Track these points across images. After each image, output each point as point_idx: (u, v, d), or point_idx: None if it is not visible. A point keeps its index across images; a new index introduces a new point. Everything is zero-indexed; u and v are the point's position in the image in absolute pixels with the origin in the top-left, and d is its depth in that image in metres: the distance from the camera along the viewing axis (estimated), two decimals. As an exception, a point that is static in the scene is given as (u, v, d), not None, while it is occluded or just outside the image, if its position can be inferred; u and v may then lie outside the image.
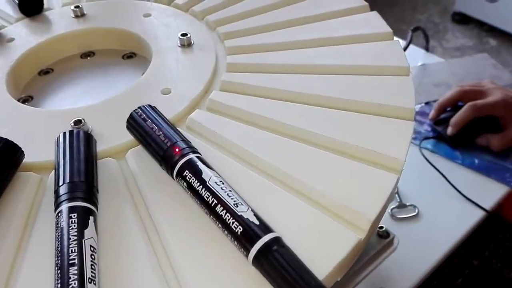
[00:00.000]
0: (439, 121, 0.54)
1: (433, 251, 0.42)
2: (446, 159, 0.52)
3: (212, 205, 0.23)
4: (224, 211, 0.22)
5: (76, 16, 0.42)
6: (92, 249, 0.21)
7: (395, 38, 0.37)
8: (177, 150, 0.25)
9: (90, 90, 0.37)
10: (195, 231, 0.24)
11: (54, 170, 0.25)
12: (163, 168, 0.26)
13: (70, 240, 0.21)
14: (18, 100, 0.37)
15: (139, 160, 0.28)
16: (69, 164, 0.25)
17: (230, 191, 0.23)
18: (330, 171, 0.26)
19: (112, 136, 0.29)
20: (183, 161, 0.24)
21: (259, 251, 0.21)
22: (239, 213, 0.22)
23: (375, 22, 0.39)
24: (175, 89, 0.33)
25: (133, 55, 0.41)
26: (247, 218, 0.22)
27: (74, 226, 0.22)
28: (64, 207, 0.22)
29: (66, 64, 0.41)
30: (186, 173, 0.24)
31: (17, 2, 0.42)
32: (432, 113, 0.55)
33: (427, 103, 0.59)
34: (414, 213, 0.46)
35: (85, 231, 0.22)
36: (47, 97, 0.37)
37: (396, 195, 0.47)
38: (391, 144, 0.27)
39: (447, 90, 0.56)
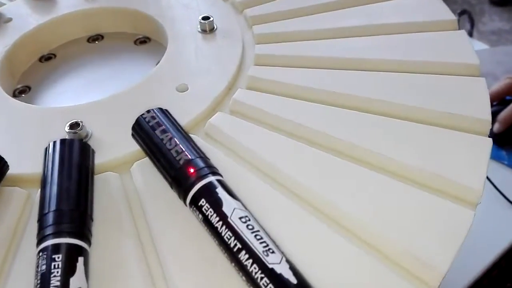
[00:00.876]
0: None
1: (473, 262, 0.38)
2: (490, 159, 0.46)
3: (235, 250, 0.17)
4: (250, 260, 0.17)
5: (86, -5, 0.37)
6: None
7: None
8: (192, 170, 0.20)
9: (96, 81, 0.32)
10: (211, 278, 0.18)
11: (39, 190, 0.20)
12: (174, 191, 0.20)
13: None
14: (14, 92, 0.32)
15: (147, 175, 0.22)
16: (58, 186, 0.20)
17: (259, 231, 0.18)
18: (384, 202, 0.20)
19: (115, 144, 0.24)
20: (199, 186, 0.19)
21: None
22: (270, 266, 0.16)
23: (434, 6, 0.32)
24: (193, 85, 0.27)
25: (147, 40, 0.36)
26: (280, 274, 0.16)
27: (58, 272, 0.17)
28: (47, 244, 0.18)
29: (70, 49, 0.36)
30: (203, 202, 0.19)
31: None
32: None
33: None
34: None
35: (71, 279, 0.17)
36: (47, 88, 0.32)
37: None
38: (464, 168, 0.21)
39: (494, 82, 0.50)
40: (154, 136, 0.21)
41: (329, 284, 0.17)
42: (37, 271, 0.17)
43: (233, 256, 0.17)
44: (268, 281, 0.16)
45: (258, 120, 0.25)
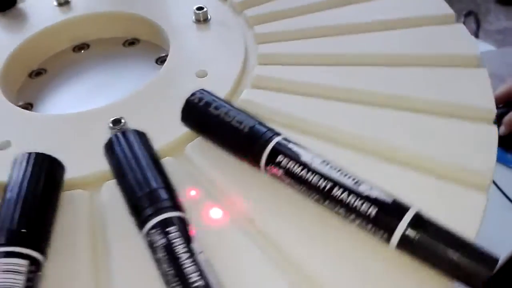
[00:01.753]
0: None
1: None
2: (497, 162, 0.46)
3: (328, 188, 0.19)
4: (346, 193, 0.19)
5: (60, 4, 0.36)
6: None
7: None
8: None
9: (97, 86, 0.32)
10: None
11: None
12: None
13: None
14: (18, 110, 0.31)
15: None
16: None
17: (341, 169, 0.20)
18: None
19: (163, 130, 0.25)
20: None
21: (412, 224, 0.18)
22: (365, 194, 0.19)
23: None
24: (211, 70, 0.29)
25: (135, 41, 0.36)
26: (375, 198, 0.19)
27: (178, 242, 0.18)
28: (156, 221, 0.18)
29: (59, 61, 0.35)
30: (281, 158, 0.20)
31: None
32: None
33: None
34: None
35: (192, 245, 0.18)
36: (49, 101, 0.32)
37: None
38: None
39: (501, 84, 0.49)
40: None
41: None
42: (155, 247, 0.18)
43: (327, 195, 0.19)
44: (369, 204, 0.18)
45: (282, 89, 0.27)
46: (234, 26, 0.33)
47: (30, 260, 0.18)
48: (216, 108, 0.23)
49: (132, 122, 0.25)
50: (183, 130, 0.25)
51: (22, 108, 0.31)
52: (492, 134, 0.24)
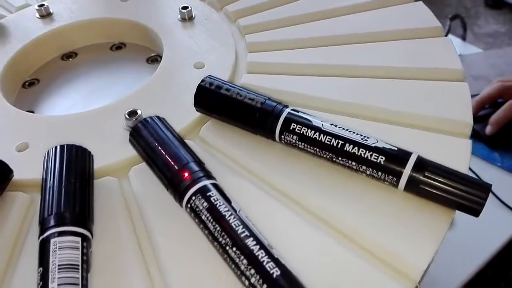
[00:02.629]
0: (477, 119, 0.50)
1: (468, 262, 0.40)
2: (483, 161, 0.48)
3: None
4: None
5: (42, 16, 0.37)
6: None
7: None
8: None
9: (96, 90, 0.34)
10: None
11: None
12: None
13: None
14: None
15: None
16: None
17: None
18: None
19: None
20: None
21: (416, 167, 0.21)
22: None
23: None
24: (207, 61, 0.31)
25: (122, 45, 0.38)
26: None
27: (220, 203, 0.20)
28: (198, 187, 0.20)
29: (50, 70, 0.36)
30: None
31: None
32: None
33: None
34: None
35: (233, 204, 0.20)
36: (50, 108, 0.33)
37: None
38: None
39: (486, 84, 0.51)
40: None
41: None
42: (199, 211, 0.20)
43: (340, 151, 0.22)
44: (377, 154, 0.21)
45: (275, 72, 0.30)
46: (218, 21, 0.35)
47: (81, 237, 0.20)
48: (227, 89, 0.25)
49: (145, 114, 0.27)
50: (195, 115, 0.27)
51: (25, 115, 0.32)
52: (464, 90, 0.27)
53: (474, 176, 0.46)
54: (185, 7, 0.35)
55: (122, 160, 0.25)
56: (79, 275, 0.19)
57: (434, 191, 0.21)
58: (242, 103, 0.24)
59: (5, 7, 0.40)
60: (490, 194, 0.41)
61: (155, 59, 0.36)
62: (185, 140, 0.24)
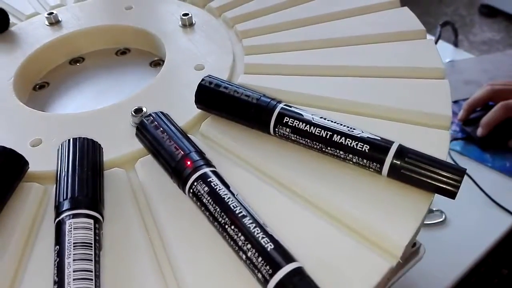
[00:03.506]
0: (469, 122, 0.52)
1: (461, 259, 0.41)
2: (475, 161, 0.49)
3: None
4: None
5: (51, 24, 0.40)
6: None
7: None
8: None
9: (104, 92, 0.36)
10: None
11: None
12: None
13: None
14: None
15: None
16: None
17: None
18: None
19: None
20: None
21: (397, 155, 0.23)
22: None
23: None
24: (207, 64, 0.33)
25: (126, 50, 0.40)
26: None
27: (219, 187, 0.22)
28: (198, 175, 0.22)
29: (59, 74, 0.38)
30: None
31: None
32: (461, 113, 0.52)
33: (455, 102, 0.55)
34: (441, 219, 0.44)
35: (231, 188, 0.22)
36: (59, 108, 0.35)
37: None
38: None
39: (477, 89, 0.52)
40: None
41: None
42: (201, 195, 0.22)
43: (328, 142, 0.24)
44: (362, 144, 0.23)
45: (271, 73, 0.32)
46: (217, 26, 0.37)
47: (94, 219, 0.22)
48: (226, 87, 0.27)
49: (150, 111, 0.29)
50: (196, 111, 0.29)
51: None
52: (444, 86, 0.29)
53: (468, 177, 0.47)
54: (185, 14, 0.37)
55: (129, 153, 0.27)
56: (92, 252, 0.20)
57: (414, 176, 0.23)
58: (239, 99, 0.26)
59: (16, 16, 0.42)
60: (482, 193, 0.46)
61: (157, 63, 0.38)
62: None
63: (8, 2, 0.44)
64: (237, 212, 0.21)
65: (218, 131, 0.28)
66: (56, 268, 0.20)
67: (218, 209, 0.21)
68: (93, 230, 0.21)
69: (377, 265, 0.21)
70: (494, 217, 0.44)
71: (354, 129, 0.24)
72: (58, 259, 0.20)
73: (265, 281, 0.19)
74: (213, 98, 0.27)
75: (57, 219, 0.21)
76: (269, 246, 0.20)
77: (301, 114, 0.25)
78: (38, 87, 0.37)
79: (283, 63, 0.33)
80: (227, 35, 0.36)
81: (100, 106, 0.31)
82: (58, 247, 0.20)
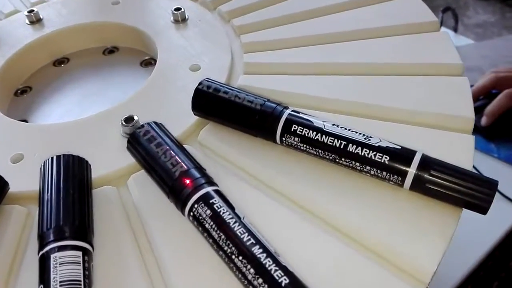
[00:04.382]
0: None
1: (468, 254, 0.40)
2: (480, 152, 0.48)
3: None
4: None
5: (32, 22, 0.36)
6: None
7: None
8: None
9: (91, 96, 0.33)
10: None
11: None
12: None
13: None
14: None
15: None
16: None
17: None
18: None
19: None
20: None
21: (421, 166, 0.20)
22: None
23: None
24: (203, 63, 0.30)
25: (114, 49, 0.37)
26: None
27: (224, 210, 0.19)
28: (200, 195, 0.20)
29: (42, 77, 0.35)
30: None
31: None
32: None
33: None
34: None
35: (236, 211, 0.20)
36: (45, 115, 0.32)
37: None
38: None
39: (480, 75, 0.51)
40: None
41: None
42: (202, 219, 0.19)
43: (343, 152, 0.22)
44: (381, 154, 0.21)
45: (271, 73, 0.29)
46: (212, 21, 0.34)
47: (82, 251, 0.19)
48: (226, 92, 0.24)
49: (142, 119, 0.26)
50: (193, 119, 0.26)
51: (18, 124, 0.31)
52: (464, 84, 0.27)
53: (473, 169, 0.45)
54: (178, 9, 0.34)
55: (121, 168, 0.24)
56: (82, 291, 0.18)
57: (441, 190, 0.20)
58: (241, 105, 0.24)
59: (-6, 14, 0.39)
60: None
61: (149, 62, 0.35)
62: (184, 145, 0.24)
63: (-15, -1, 0.41)
64: (245, 239, 0.18)
65: (218, 140, 0.25)
66: (41, 311, 0.17)
67: (223, 236, 0.19)
68: (81, 264, 0.19)
69: (403, 294, 0.18)
70: (500, 210, 0.43)
71: (371, 137, 0.22)
72: (42, 300, 0.18)
73: (280, 322, 0.17)
74: (212, 104, 0.25)
75: (41, 252, 0.19)
76: (284, 281, 0.17)
77: (311, 121, 0.23)
78: (20, 92, 0.34)
79: (286, 61, 0.30)
80: (224, 31, 0.33)
81: (87, 112, 0.28)
82: (42, 286, 0.18)
